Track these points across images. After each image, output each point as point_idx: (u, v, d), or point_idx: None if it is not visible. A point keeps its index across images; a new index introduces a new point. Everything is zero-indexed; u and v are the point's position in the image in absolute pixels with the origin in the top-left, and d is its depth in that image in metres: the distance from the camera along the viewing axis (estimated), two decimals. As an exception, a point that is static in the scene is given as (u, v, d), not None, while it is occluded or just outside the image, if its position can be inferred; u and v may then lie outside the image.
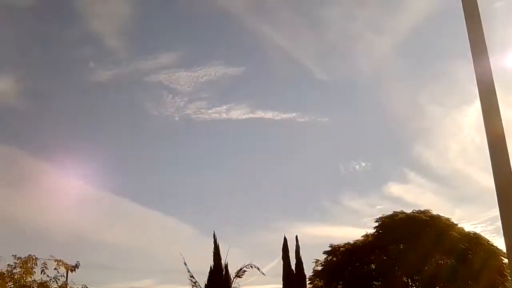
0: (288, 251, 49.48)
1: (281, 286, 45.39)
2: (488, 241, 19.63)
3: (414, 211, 20.41)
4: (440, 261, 19.44)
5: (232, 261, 34.57)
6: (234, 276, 30.82)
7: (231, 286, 30.55)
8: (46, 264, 14.90)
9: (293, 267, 48.23)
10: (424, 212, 20.10)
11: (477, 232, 20.06)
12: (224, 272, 30.62)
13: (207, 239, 32.18)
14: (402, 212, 20.53)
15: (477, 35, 5.06)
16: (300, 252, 48.94)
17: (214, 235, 32.23)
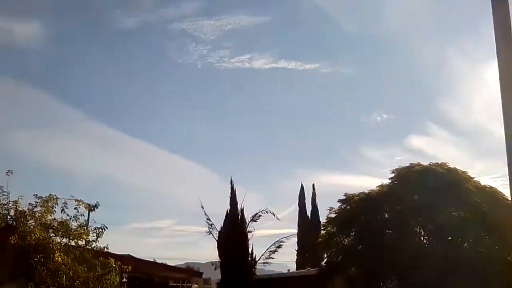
0: (305, 198, 50.64)
1: (296, 231, 46.56)
2: (504, 195, 19.52)
3: (431, 163, 20.35)
4: (453, 213, 19.53)
5: (249, 206, 35.42)
6: (249, 220, 31.62)
7: (246, 229, 31.40)
8: (66, 204, 15.40)
9: (308, 214, 49.37)
10: (441, 165, 20.03)
11: (494, 186, 19.91)
12: (239, 216, 31.44)
13: (226, 184, 32.91)
14: (419, 164, 20.49)
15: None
16: (316, 200, 49.92)
17: (231, 180, 32.87)
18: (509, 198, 19.69)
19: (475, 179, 19.75)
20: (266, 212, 31.87)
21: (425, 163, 20.57)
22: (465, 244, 19.21)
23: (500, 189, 19.70)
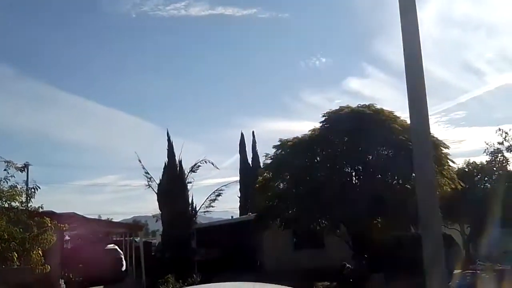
0: (245, 146, 50.96)
1: (238, 179, 47.15)
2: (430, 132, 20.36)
3: (359, 105, 20.88)
4: (381, 152, 20.29)
5: (190, 157, 35.36)
6: (188, 171, 31.69)
7: (185, 180, 31.50)
8: (-5, 166, 14.73)
9: (250, 161, 49.93)
10: (369, 106, 20.59)
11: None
12: (178, 168, 31.43)
13: (166, 136, 32.63)
14: (348, 107, 20.99)
15: None
16: (257, 147, 50.42)
17: (167, 132, 32.60)
18: (434, 135, 20.71)
19: (401, 118, 20.42)
20: (205, 162, 31.97)
21: (353, 105, 21.07)
22: (393, 182, 20.07)
23: (437, 125, 20.51)
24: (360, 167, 20.68)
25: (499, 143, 33.72)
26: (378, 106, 20.80)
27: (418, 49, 5.04)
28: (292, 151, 21.14)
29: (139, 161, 31.01)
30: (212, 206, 31.76)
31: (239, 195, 46.43)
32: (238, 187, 45.54)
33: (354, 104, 21.22)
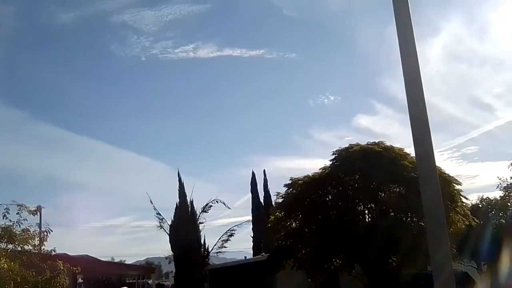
0: (257, 185, 50.87)
1: (250, 218, 46.85)
2: (441, 169, 20.31)
3: (369, 143, 20.95)
4: (393, 190, 20.19)
5: (202, 197, 35.38)
6: (200, 211, 31.67)
7: (197, 220, 31.44)
8: (8, 210, 14.95)
9: (261, 200, 49.73)
10: (378, 144, 20.65)
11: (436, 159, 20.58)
12: (189, 208, 31.42)
13: (177, 176, 32.78)
14: (357, 144, 21.07)
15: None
16: (268, 185, 50.33)
17: (178, 173, 32.79)
18: (445, 171, 20.63)
19: (411, 155, 20.39)
20: (217, 202, 31.98)
21: (376, 141, 21.14)
22: (407, 219, 19.87)
23: (442, 163, 20.49)
24: (373, 205, 20.54)
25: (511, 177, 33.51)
26: (388, 143, 20.88)
27: (420, 88, 5.17)
28: (303, 189, 21.14)
29: (151, 202, 31.15)
30: (225, 247, 31.62)
31: (252, 235, 46.04)
32: (251, 226, 45.23)
33: (364, 141, 21.36)
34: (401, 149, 20.48)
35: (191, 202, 31.31)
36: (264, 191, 47.77)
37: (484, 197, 29.05)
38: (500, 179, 31.35)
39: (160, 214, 30.63)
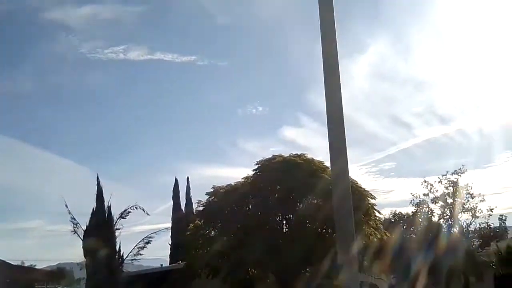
0: (179, 192, 50.03)
1: (170, 225, 45.94)
2: (357, 183, 20.99)
3: (291, 154, 21.29)
4: (312, 201, 20.59)
5: (124, 202, 34.22)
6: (117, 217, 30.63)
7: (113, 227, 30.38)
8: None
9: (183, 207, 48.97)
10: (300, 156, 21.04)
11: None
12: (106, 213, 30.32)
13: (102, 180, 31.50)
14: (280, 156, 21.35)
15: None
16: (191, 193, 49.70)
17: (97, 177, 31.56)
18: (361, 186, 21.35)
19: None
20: (136, 208, 31.07)
21: (299, 152, 21.49)
22: (322, 231, 20.32)
23: (360, 177, 21.15)
24: (291, 216, 20.85)
25: (424, 194, 35.43)
26: (309, 156, 21.31)
27: (339, 103, 5.25)
28: (224, 198, 21.07)
29: (66, 206, 29.71)
30: (141, 254, 30.68)
31: (170, 243, 45.29)
32: (170, 234, 44.45)
33: (288, 153, 21.66)
34: (321, 162, 20.97)
35: (109, 207, 30.21)
36: (186, 198, 47.23)
37: (397, 212, 30.43)
38: (413, 195, 33.03)
39: (74, 219, 29.28)
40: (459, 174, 34.75)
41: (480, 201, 34.92)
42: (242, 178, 21.76)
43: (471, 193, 34.87)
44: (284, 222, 21.06)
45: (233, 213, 20.62)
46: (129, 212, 30.47)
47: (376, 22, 63.14)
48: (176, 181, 47.85)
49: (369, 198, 21.01)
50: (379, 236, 20.22)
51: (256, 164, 21.48)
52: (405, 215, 29.80)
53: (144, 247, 30.51)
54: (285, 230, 20.79)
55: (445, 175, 35.05)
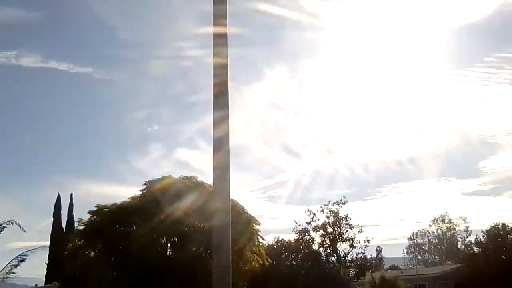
0: (61, 209, 47.49)
1: (48, 243, 43.36)
2: (243, 208, 21.46)
3: (181, 176, 21.28)
4: (197, 224, 20.66)
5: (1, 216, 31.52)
6: (-12, 233, 28.37)
7: (-17, 242, 28.09)
8: None
9: (64, 225, 46.44)
10: (190, 178, 21.08)
11: (236, 199, 21.56)
12: (-24, 228, 27.98)
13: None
14: (170, 177, 21.28)
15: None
16: (74, 210, 47.39)
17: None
18: (247, 211, 21.85)
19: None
20: (12, 223, 28.98)
21: (193, 175, 21.45)
22: (205, 254, 20.40)
23: (250, 202, 21.57)
24: (176, 239, 20.72)
25: (307, 222, 36.93)
26: (200, 179, 21.40)
27: (227, 131, 5.47)
28: (107, 218, 20.44)
29: None
30: (13, 272, 28.53)
31: (47, 262, 42.63)
32: (47, 253, 41.86)
33: (180, 174, 21.65)
34: (210, 186, 21.09)
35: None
36: (68, 216, 44.92)
37: (280, 238, 31.37)
38: (296, 223, 34.27)
39: None
40: (340, 204, 36.83)
41: (359, 231, 37.16)
42: (129, 198, 21.32)
43: (350, 223, 37.03)
44: (169, 245, 20.86)
45: (116, 234, 20.04)
46: (4, 227, 28.38)
47: (275, 53, 65.54)
48: (59, 196, 45.44)
49: (254, 224, 21.52)
50: (261, 262, 20.71)
51: (144, 184, 21.18)
52: (287, 242, 30.85)
53: (17, 265, 28.45)
54: (170, 253, 20.59)
55: (327, 204, 36.98)
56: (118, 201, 21.44)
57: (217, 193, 5.60)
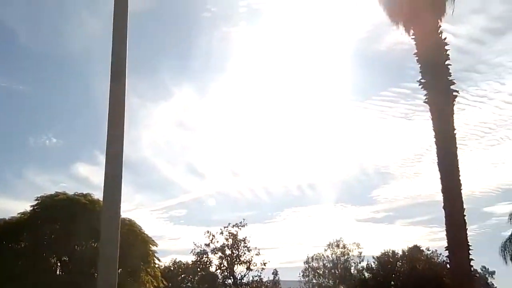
0: None
1: None
2: (141, 229, 21.17)
3: (76, 193, 20.60)
4: (91, 245, 20.04)
5: None
6: None
7: None
8: None
9: None
10: (85, 196, 20.46)
11: (133, 219, 21.24)
12: None
13: None
14: (64, 193, 20.54)
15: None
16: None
17: None
18: (145, 231, 21.57)
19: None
20: None
21: (93, 192, 20.77)
22: (96, 275, 19.77)
23: (151, 222, 21.21)
24: (66, 258, 19.94)
25: (206, 244, 36.93)
26: (96, 197, 20.82)
27: (121, 147, 5.56)
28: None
29: None
30: None
31: None
32: None
33: (80, 190, 20.97)
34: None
35: None
36: None
37: (177, 260, 31.11)
38: (195, 244, 34.17)
39: None
40: (239, 227, 37.26)
41: (256, 254, 37.75)
42: (18, 213, 20.27)
43: (248, 246, 37.54)
44: (59, 263, 20.01)
45: (1, 251, 18.92)
46: None
47: (183, 72, 65.66)
48: None
49: (150, 245, 21.27)
50: (156, 284, 20.48)
51: (36, 200, 20.25)
52: (184, 264, 30.62)
53: None
54: (60, 272, 19.73)
55: (227, 226, 37.25)
56: (7, 217, 20.30)
57: (107, 208, 5.64)
